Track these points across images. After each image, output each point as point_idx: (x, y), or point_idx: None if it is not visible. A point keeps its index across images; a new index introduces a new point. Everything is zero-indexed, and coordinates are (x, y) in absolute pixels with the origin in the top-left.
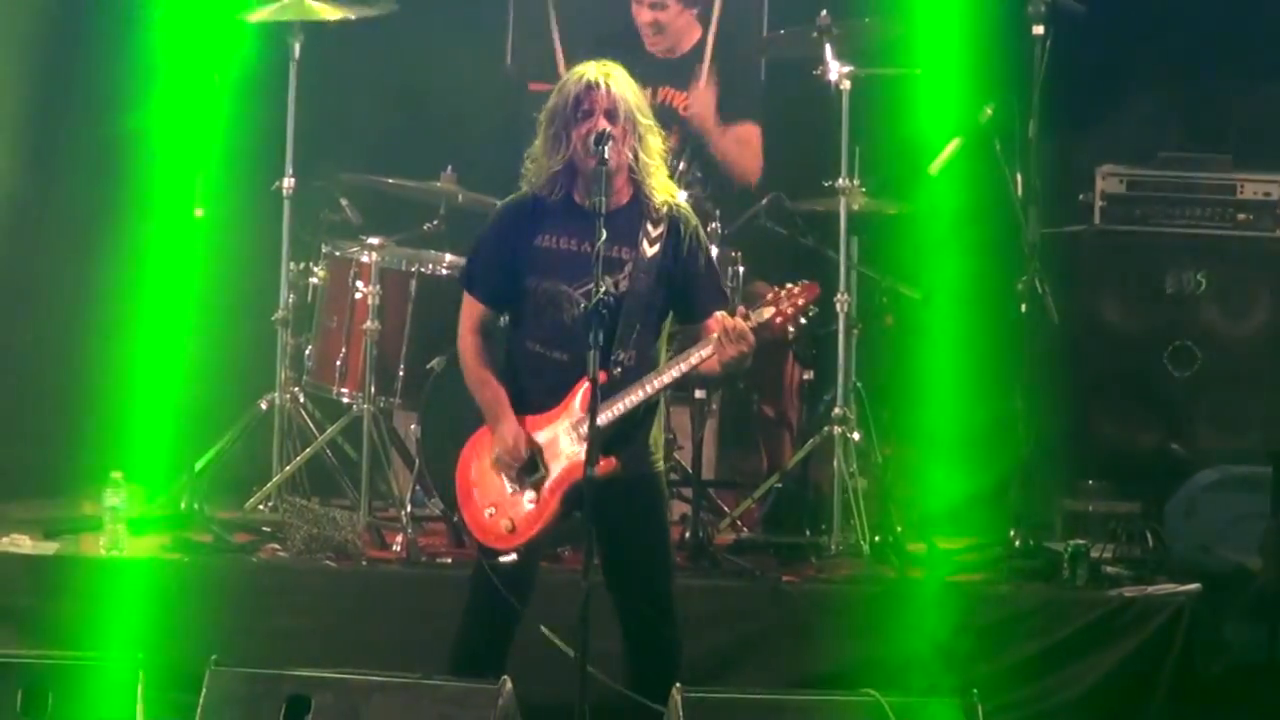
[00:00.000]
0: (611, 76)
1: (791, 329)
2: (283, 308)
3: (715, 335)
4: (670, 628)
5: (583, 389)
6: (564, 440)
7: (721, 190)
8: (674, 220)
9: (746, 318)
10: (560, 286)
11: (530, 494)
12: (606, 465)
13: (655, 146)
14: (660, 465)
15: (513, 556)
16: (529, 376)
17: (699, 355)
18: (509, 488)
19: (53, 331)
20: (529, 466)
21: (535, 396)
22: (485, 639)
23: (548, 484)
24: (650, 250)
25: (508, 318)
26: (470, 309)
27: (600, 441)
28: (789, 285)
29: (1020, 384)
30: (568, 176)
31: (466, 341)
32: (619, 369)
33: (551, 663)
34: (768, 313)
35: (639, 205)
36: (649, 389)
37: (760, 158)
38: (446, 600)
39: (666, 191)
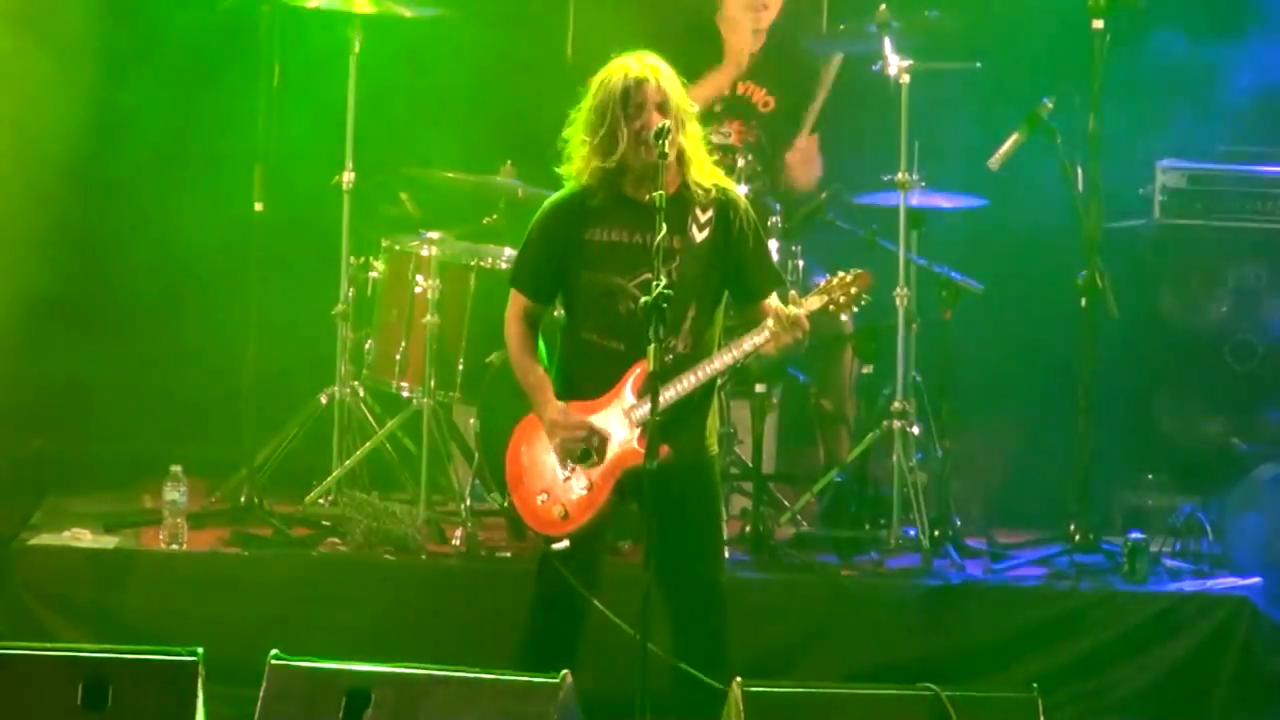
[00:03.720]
0: (657, 69)
1: (844, 317)
2: (343, 302)
3: (769, 323)
4: (718, 616)
5: (634, 374)
6: (616, 426)
7: (783, 185)
8: (722, 204)
9: (799, 305)
10: (614, 279)
11: (583, 479)
12: (662, 452)
13: (697, 134)
14: (715, 452)
15: (565, 543)
16: (584, 365)
17: (752, 342)
18: (561, 474)
19: (112, 326)
20: (586, 451)
21: (589, 384)
22: (554, 633)
23: (600, 469)
24: (699, 235)
25: (562, 310)
26: (516, 303)
27: (658, 431)
28: (841, 273)
29: (1080, 378)
30: (616, 171)
31: (511, 330)
32: (671, 356)
33: (612, 655)
34: (819, 302)
35: (686, 193)
36: (703, 374)
37: (818, 167)
38: (506, 594)
39: (711, 176)
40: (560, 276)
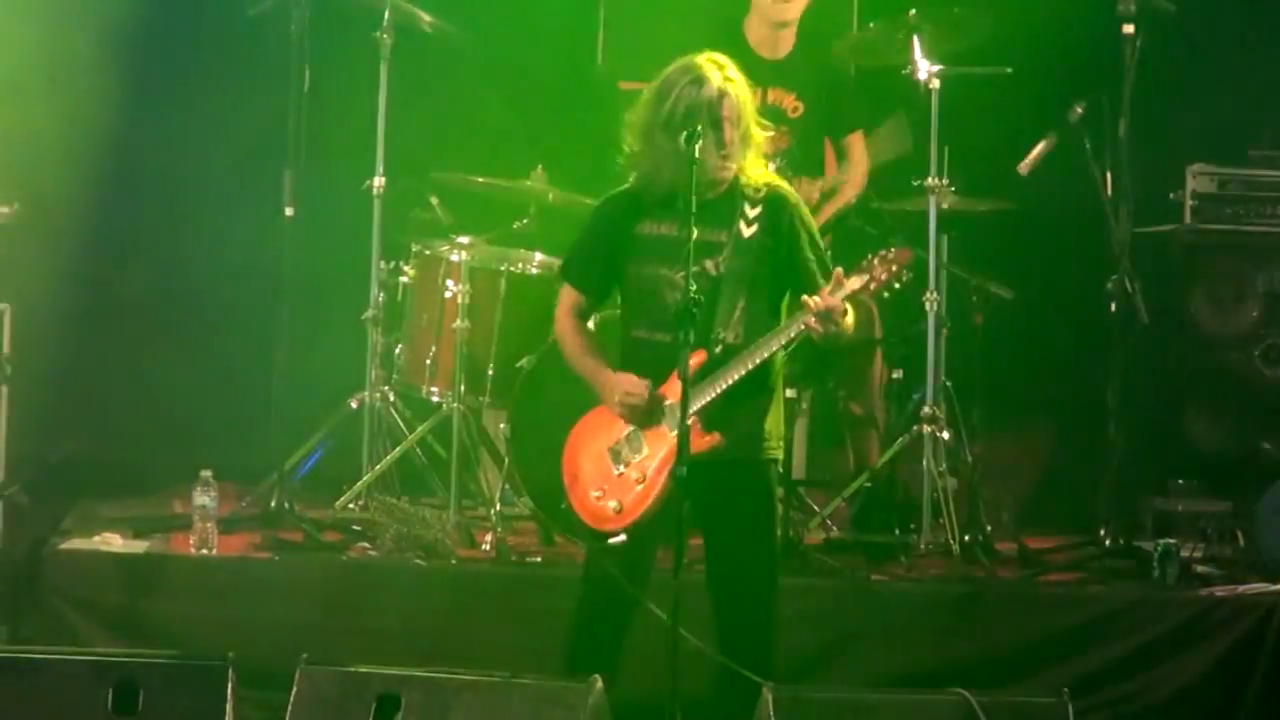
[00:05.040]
0: (734, 82)
1: (887, 294)
2: (373, 306)
3: (801, 315)
4: (768, 627)
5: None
6: (668, 419)
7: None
8: (772, 201)
9: (841, 284)
10: (661, 271)
11: (636, 472)
12: (710, 440)
13: (757, 139)
14: (773, 456)
15: (621, 537)
16: (636, 364)
17: (787, 334)
18: (615, 470)
19: (144, 331)
20: (635, 443)
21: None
22: (600, 636)
23: (654, 462)
24: (748, 231)
25: (620, 310)
26: (566, 296)
27: (706, 423)
28: (883, 251)
29: (1110, 383)
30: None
31: (562, 325)
32: (719, 347)
33: (657, 661)
34: (860, 281)
35: (737, 190)
36: (746, 366)
37: (864, 164)
38: (536, 599)
39: (763, 176)
40: (610, 270)
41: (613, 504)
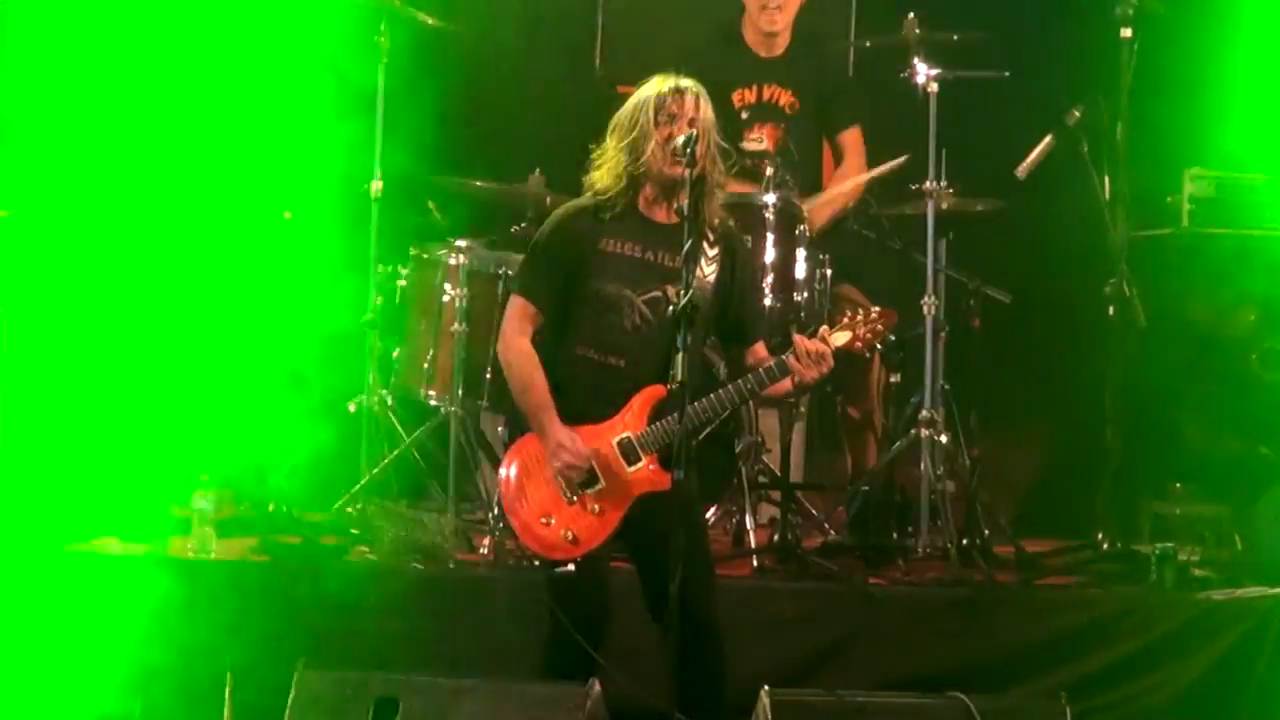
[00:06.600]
0: (699, 92)
1: (867, 354)
2: (371, 310)
3: (789, 356)
4: (715, 651)
5: (641, 398)
6: (626, 451)
7: (811, 192)
8: (729, 243)
9: (825, 340)
10: (624, 291)
11: (591, 504)
12: (665, 480)
13: (719, 171)
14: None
15: (570, 567)
16: (577, 384)
17: (772, 378)
18: (565, 498)
19: (141, 335)
20: (588, 477)
21: (584, 405)
22: (575, 647)
23: (611, 495)
24: (707, 269)
25: (561, 325)
26: (522, 313)
27: (664, 451)
28: (866, 310)
29: (1108, 387)
30: (636, 182)
31: (516, 345)
32: (673, 385)
33: (639, 664)
34: (844, 338)
35: (695, 222)
36: (720, 406)
37: (861, 159)
38: (534, 603)
39: (717, 214)
40: (568, 287)
41: (566, 534)
